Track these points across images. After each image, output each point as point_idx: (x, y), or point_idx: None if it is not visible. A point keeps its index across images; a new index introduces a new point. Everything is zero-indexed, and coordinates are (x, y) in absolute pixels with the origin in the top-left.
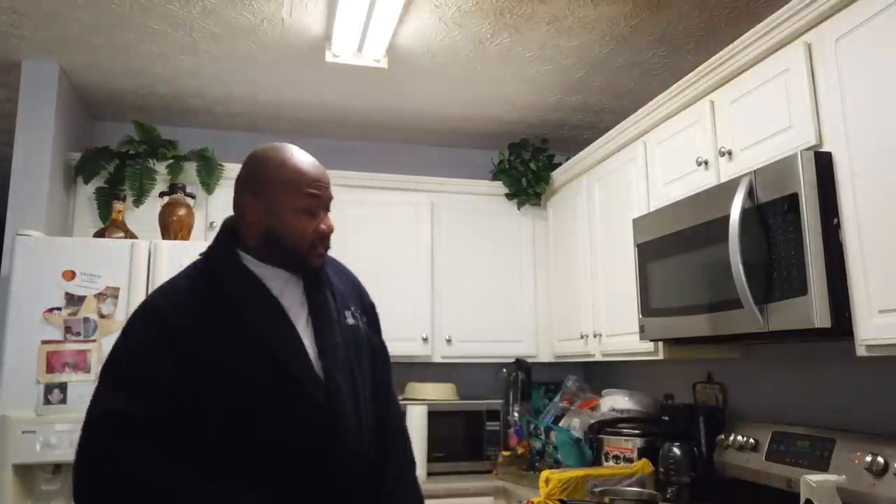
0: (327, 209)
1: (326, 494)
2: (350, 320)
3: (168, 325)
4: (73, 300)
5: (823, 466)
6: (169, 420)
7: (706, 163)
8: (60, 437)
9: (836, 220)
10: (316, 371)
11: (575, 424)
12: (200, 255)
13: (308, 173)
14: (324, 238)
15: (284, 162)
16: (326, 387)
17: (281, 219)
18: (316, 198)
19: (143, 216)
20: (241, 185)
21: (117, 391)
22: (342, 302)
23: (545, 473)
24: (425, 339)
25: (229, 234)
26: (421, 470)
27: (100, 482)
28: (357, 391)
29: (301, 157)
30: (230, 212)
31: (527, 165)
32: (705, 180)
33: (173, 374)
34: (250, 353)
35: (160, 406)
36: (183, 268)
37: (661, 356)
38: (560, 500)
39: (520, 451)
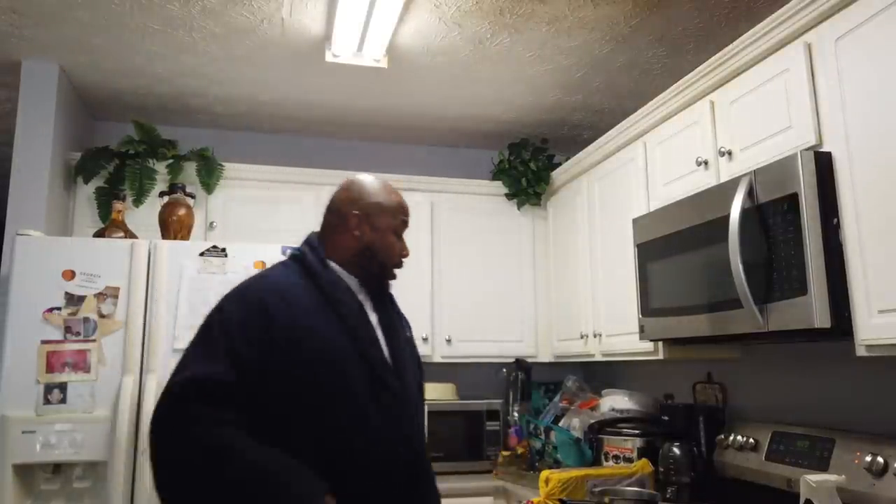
0: None
1: (390, 482)
2: (408, 333)
3: (267, 313)
4: (73, 300)
5: (823, 466)
6: (252, 398)
7: (706, 163)
8: (60, 437)
9: (835, 220)
10: (390, 366)
11: (575, 424)
12: (290, 257)
13: (403, 204)
14: (403, 259)
15: (389, 192)
16: (399, 380)
17: (382, 237)
18: (405, 224)
19: (143, 216)
20: (349, 204)
21: (209, 361)
22: (402, 318)
23: (545, 473)
24: (425, 339)
25: (318, 243)
26: None
27: (180, 445)
28: (417, 399)
29: (394, 189)
30: (230, 211)
31: (527, 165)
32: (705, 180)
33: (264, 363)
34: (344, 344)
35: (247, 383)
36: (182, 268)
37: (660, 356)
38: (560, 500)
39: (520, 450)
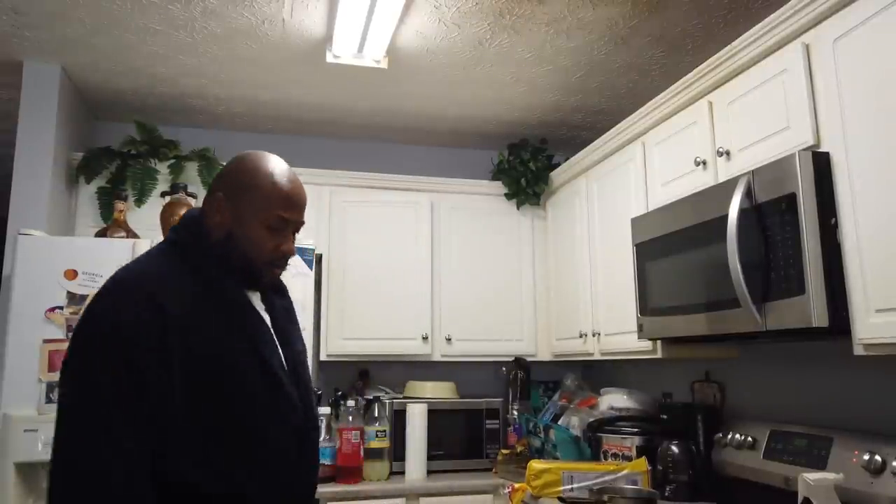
0: (296, 231)
1: (292, 498)
2: (296, 319)
3: (163, 313)
4: (75, 299)
5: (821, 465)
6: (157, 410)
7: (704, 163)
8: None
9: (833, 220)
10: (289, 379)
11: (574, 423)
12: (165, 243)
13: (286, 192)
14: (283, 258)
15: (267, 174)
16: (300, 395)
17: (247, 228)
18: (284, 220)
19: (145, 216)
20: (218, 182)
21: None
22: (292, 307)
23: (532, 462)
24: (425, 338)
25: (199, 227)
26: (421, 468)
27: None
28: (314, 408)
29: (285, 175)
30: None
31: (526, 165)
32: (703, 180)
33: (165, 375)
34: (242, 349)
35: (152, 404)
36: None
37: (659, 355)
38: (559, 499)
39: (519, 449)
